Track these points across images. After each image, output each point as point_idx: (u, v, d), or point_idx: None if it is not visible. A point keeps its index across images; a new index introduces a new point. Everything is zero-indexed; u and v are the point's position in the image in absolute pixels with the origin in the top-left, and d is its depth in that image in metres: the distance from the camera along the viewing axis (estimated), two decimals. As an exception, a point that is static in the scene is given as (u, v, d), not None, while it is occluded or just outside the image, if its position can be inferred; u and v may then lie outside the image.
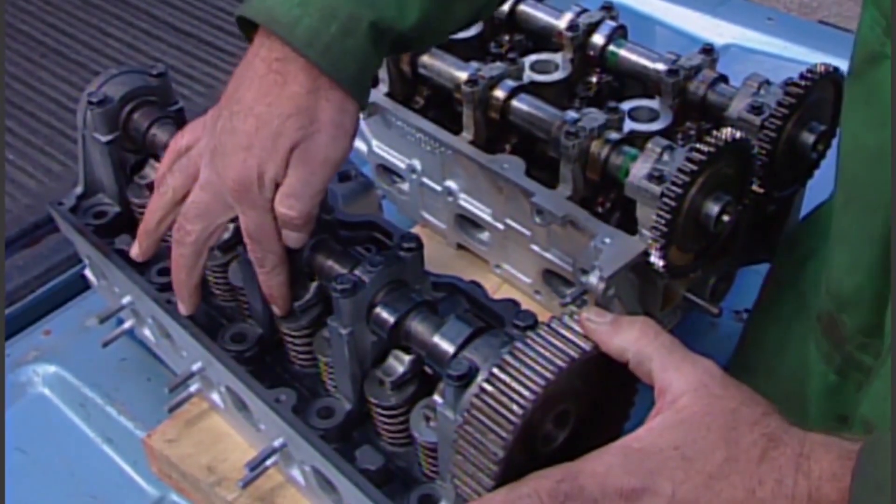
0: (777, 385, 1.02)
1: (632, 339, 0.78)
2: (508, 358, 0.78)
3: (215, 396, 1.11)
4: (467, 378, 0.81)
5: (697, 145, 1.01)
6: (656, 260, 1.03)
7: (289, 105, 0.91)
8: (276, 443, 1.00)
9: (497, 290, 1.27)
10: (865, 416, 0.90)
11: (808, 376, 1.00)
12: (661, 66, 1.20)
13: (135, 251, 1.07)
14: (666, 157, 1.03)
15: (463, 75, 1.19)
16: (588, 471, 0.74)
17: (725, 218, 1.03)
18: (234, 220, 1.07)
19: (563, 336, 0.79)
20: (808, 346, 1.00)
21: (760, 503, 0.71)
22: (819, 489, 0.70)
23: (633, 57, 1.25)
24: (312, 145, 0.92)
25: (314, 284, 1.01)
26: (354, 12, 0.91)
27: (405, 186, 1.34)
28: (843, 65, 1.13)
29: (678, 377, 0.76)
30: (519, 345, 0.78)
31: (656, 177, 1.02)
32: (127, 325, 1.20)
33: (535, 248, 1.19)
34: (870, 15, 0.82)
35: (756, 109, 1.11)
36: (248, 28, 0.95)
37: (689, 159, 1.00)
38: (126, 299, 1.15)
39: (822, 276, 0.98)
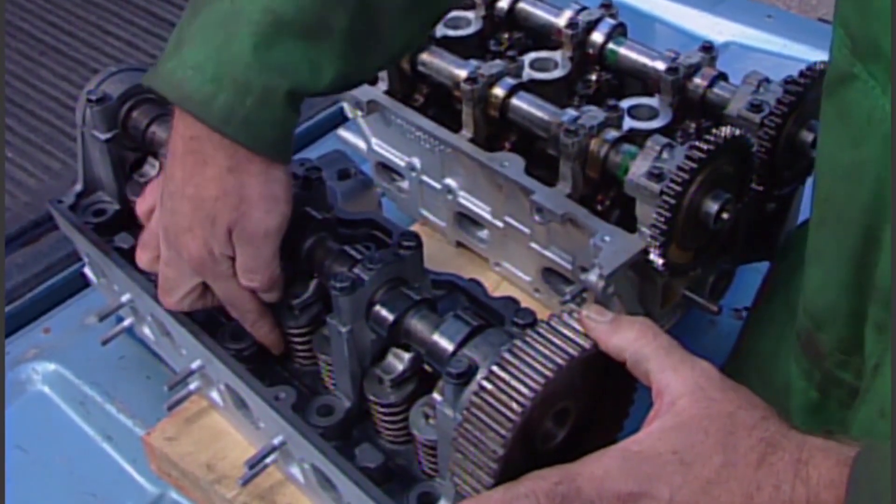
0: (770, 394, 1.02)
1: (630, 339, 0.78)
2: (508, 356, 0.78)
3: (215, 394, 1.11)
4: (467, 376, 0.81)
5: (697, 143, 1.01)
6: (656, 258, 1.03)
7: (214, 187, 0.92)
8: (276, 441, 1.00)
9: (496, 288, 1.27)
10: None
11: (791, 392, 1.00)
12: (660, 64, 1.20)
13: None
14: (665, 154, 1.03)
15: (462, 73, 1.19)
16: (586, 473, 0.74)
17: (725, 216, 1.03)
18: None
19: (563, 334, 0.79)
20: (790, 373, 1.00)
21: None
22: (817, 496, 0.70)
23: (633, 55, 1.25)
24: (248, 224, 0.93)
25: (313, 282, 1.01)
26: (269, 84, 0.89)
27: (404, 184, 1.34)
28: (843, 63, 1.14)
29: (675, 379, 0.75)
30: (518, 342, 0.78)
31: (656, 175, 1.01)
32: (126, 322, 1.20)
33: (535, 245, 1.19)
34: (837, 35, 0.82)
35: (756, 107, 1.11)
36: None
37: (688, 157, 1.00)
38: (125, 297, 1.15)
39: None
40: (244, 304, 1.00)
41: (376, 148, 1.34)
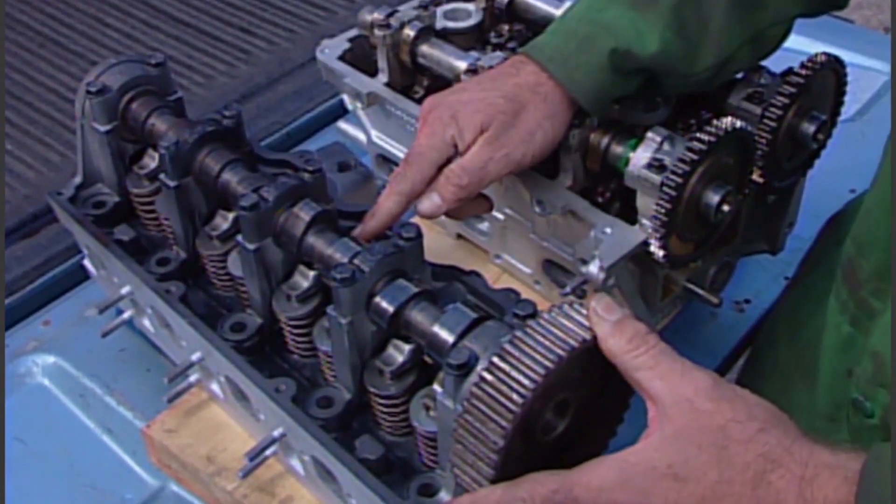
0: (793, 351, 1.02)
1: (622, 347, 0.77)
2: (508, 347, 0.77)
3: (214, 386, 1.11)
4: (467, 367, 0.80)
5: (698, 135, 1.00)
6: (656, 250, 1.03)
7: (509, 89, 1.03)
8: (276, 433, 1.00)
9: (497, 280, 1.27)
10: (875, 348, 0.89)
11: (824, 332, 0.99)
12: (661, 56, 1.19)
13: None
14: (666, 146, 1.03)
15: (462, 65, 1.19)
16: (583, 483, 0.74)
17: (726, 207, 1.03)
18: (229, 209, 1.07)
19: (564, 325, 0.79)
20: (827, 309, 1.00)
21: None
22: None
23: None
24: (503, 136, 1.01)
25: (313, 274, 1.01)
26: (592, 32, 1.03)
27: (405, 176, 1.34)
28: (844, 54, 1.14)
29: (663, 388, 0.75)
30: (519, 333, 0.78)
31: (656, 166, 1.01)
32: (126, 315, 1.20)
33: (535, 237, 1.19)
34: None
35: (756, 99, 1.10)
36: None
37: (689, 149, 1.00)
38: (125, 289, 1.15)
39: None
40: (417, 170, 1.02)
41: (376, 140, 1.34)
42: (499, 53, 1.21)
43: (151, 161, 1.16)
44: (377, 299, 0.92)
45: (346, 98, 1.35)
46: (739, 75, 1.15)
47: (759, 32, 1.08)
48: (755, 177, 1.10)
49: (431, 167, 1.03)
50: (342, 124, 1.41)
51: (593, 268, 1.03)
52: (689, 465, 0.72)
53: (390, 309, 0.91)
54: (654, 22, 1.02)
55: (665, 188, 1.00)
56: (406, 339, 0.94)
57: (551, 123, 1.03)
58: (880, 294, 0.92)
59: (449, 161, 1.03)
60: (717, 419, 0.73)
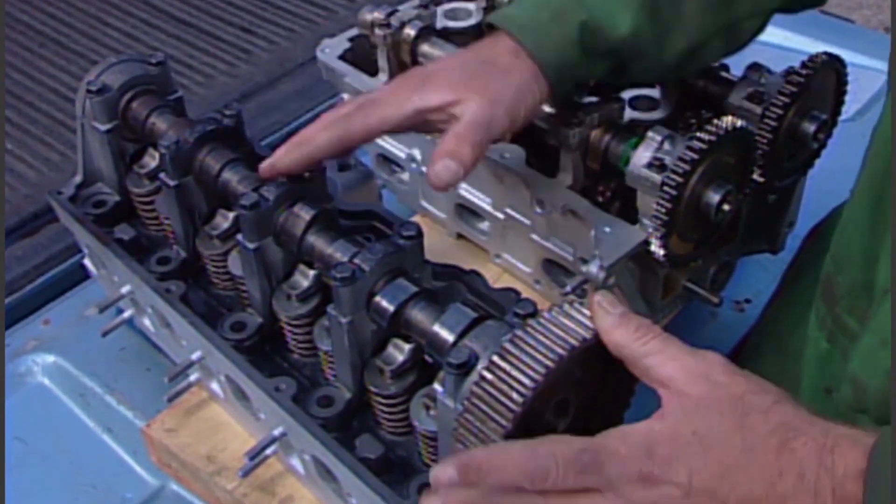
0: (783, 362, 1.01)
1: (630, 336, 0.77)
2: (508, 346, 0.77)
3: (215, 386, 1.11)
4: (467, 366, 0.80)
5: (698, 134, 1.00)
6: (657, 249, 1.03)
7: (486, 54, 1.01)
8: (276, 432, 1.00)
9: (497, 279, 1.27)
10: (854, 374, 0.89)
11: (805, 347, 0.99)
12: (661, 55, 1.19)
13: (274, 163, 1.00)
14: (667, 145, 1.02)
15: (463, 64, 1.19)
16: (611, 448, 0.73)
17: (726, 207, 1.03)
18: (229, 208, 1.07)
19: (564, 324, 0.79)
20: (808, 323, 1.00)
21: (781, 499, 0.69)
22: (843, 486, 0.68)
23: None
24: (495, 89, 0.97)
25: (313, 273, 1.01)
26: (566, 5, 1.00)
27: (405, 176, 1.34)
28: (845, 54, 1.14)
29: (677, 368, 0.75)
30: (519, 332, 0.78)
31: (657, 165, 1.01)
32: (126, 314, 1.20)
33: (535, 237, 1.19)
34: None
35: (757, 98, 1.10)
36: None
37: (689, 148, 1.00)
38: (125, 289, 1.15)
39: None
40: (372, 113, 0.98)
41: (376, 139, 1.34)
42: (499, 53, 1.20)
43: (152, 160, 1.16)
44: (377, 298, 0.92)
45: (345, 97, 1.35)
46: (739, 75, 1.15)
47: (735, 23, 1.06)
48: (756, 176, 1.10)
49: (381, 124, 0.99)
50: (342, 124, 1.41)
51: (593, 267, 1.02)
52: (713, 431, 0.71)
53: (390, 308, 0.91)
54: (629, 1, 1.00)
55: (665, 187, 1.00)
56: (406, 339, 0.94)
57: (537, 86, 1.00)
58: (855, 312, 0.91)
59: (406, 129, 1.01)
60: (735, 389, 0.73)
